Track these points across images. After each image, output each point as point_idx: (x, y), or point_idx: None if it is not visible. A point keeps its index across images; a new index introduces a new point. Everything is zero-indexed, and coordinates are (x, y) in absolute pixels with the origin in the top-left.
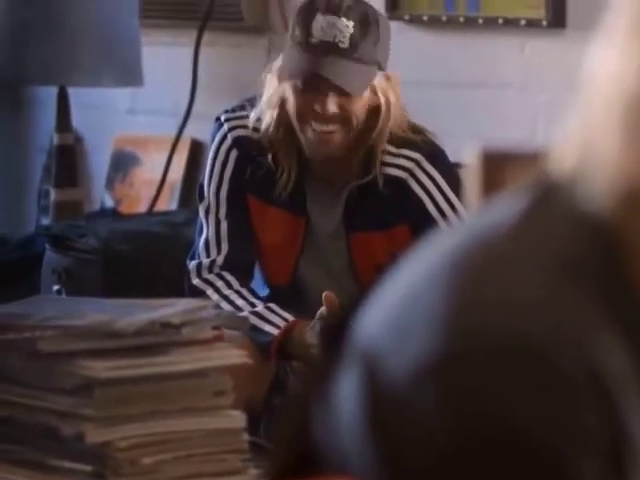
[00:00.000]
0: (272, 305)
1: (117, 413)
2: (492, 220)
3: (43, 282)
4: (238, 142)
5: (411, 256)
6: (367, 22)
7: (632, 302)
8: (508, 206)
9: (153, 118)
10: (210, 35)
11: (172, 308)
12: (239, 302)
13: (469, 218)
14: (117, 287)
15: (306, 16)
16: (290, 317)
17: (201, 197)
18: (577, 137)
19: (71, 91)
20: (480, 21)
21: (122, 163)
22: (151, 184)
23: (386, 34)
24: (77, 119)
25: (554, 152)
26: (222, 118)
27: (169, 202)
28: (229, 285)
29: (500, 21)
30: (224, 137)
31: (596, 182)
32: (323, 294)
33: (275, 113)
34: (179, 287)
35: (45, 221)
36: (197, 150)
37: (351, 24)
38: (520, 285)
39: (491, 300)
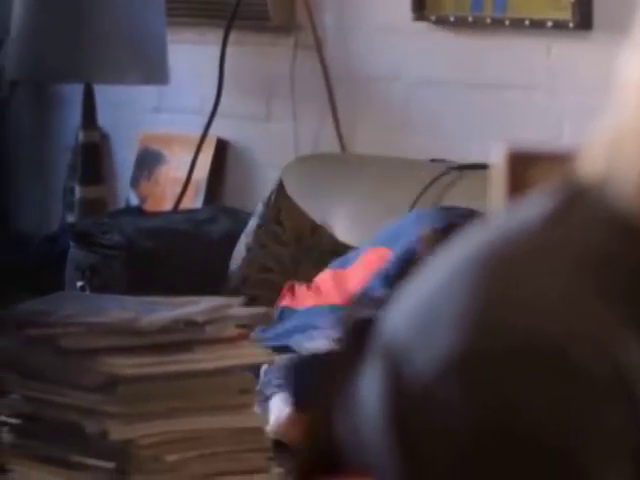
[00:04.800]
0: None
1: (140, 410)
2: (519, 220)
3: (67, 279)
4: None
5: (439, 254)
6: None
7: None
8: (536, 207)
9: (179, 116)
10: (236, 34)
11: (196, 306)
12: None
13: (496, 218)
14: (141, 284)
15: None
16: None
17: None
18: (606, 140)
19: (97, 88)
20: (507, 22)
21: (147, 161)
22: (176, 182)
23: None
24: (102, 117)
25: (582, 154)
26: None
27: (194, 200)
28: None
29: (526, 22)
30: None
31: (625, 184)
32: None
33: None
34: (202, 284)
35: (70, 218)
36: (222, 148)
37: None
38: (544, 285)
39: (515, 299)
